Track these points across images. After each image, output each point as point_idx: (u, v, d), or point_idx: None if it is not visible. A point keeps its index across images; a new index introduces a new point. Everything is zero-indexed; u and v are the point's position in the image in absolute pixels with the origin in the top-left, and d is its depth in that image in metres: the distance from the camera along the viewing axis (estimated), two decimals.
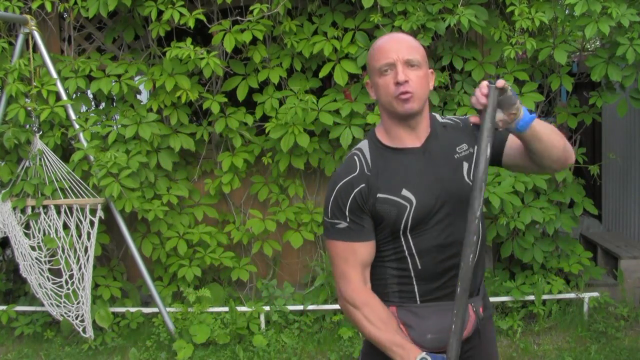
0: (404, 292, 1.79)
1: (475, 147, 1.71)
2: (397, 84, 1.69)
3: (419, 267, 1.76)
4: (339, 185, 1.76)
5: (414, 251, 1.76)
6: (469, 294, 1.65)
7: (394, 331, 1.72)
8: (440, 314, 1.76)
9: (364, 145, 1.83)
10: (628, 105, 4.12)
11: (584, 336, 4.11)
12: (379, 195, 1.74)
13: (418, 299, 1.78)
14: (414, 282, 1.77)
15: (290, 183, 4.42)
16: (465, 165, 1.80)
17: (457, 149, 1.81)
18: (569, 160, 1.88)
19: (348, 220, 1.75)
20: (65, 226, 4.08)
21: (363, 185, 1.74)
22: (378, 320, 1.73)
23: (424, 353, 1.66)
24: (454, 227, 1.75)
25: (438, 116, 1.90)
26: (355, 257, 1.76)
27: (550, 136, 1.79)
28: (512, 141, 1.84)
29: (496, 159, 1.87)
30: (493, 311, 1.88)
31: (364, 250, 1.77)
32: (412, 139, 1.78)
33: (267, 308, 4.21)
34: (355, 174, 1.76)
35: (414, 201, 1.73)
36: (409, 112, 1.72)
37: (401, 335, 1.72)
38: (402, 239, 1.76)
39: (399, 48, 1.71)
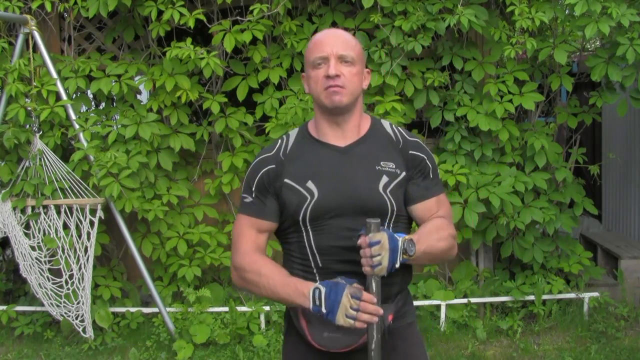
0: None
1: (404, 174, 1.75)
2: (328, 77, 1.68)
3: (320, 264, 1.72)
4: (254, 162, 1.81)
5: (314, 247, 1.73)
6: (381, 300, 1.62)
7: (286, 275, 1.71)
8: None
9: (293, 132, 1.85)
10: (628, 105, 4.12)
11: (584, 336, 4.11)
12: (285, 180, 1.74)
13: None
14: (317, 279, 1.72)
15: None
16: (385, 178, 1.74)
17: (381, 162, 1.76)
18: (453, 252, 1.83)
19: (253, 195, 1.78)
20: (65, 226, 4.07)
21: (273, 166, 1.76)
22: (268, 271, 1.71)
23: (316, 287, 1.63)
24: (355, 231, 1.66)
25: (388, 125, 1.85)
26: (250, 230, 1.78)
27: (436, 252, 1.74)
28: (423, 210, 1.79)
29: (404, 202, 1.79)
30: (412, 320, 1.81)
31: (260, 225, 1.77)
32: (336, 137, 1.77)
33: (267, 308, 4.21)
34: (271, 154, 1.79)
35: (316, 195, 1.71)
36: (336, 105, 1.70)
37: (295, 278, 1.70)
38: (304, 231, 1.73)
39: (334, 43, 1.70)
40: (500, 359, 3.92)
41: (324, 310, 1.60)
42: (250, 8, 4.03)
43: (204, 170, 4.53)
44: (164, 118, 4.31)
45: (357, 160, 1.75)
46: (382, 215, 1.70)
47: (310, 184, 1.72)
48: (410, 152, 1.79)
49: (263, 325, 4.18)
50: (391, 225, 1.73)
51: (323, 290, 1.61)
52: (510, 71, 4.15)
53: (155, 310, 4.23)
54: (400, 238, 1.63)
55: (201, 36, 4.82)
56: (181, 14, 4.00)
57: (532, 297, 4.22)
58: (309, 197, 1.71)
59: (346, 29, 4.19)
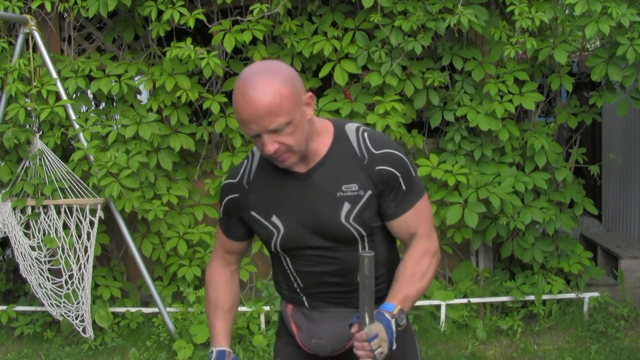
0: (294, 298, 1.81)
1: (369, 192, 1.64)
2: (267, 153, 1.57)
3: (301, 284, 1.76)
4: (223, 184, 1.79)
5: (293, 271, 1.75)
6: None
7: (216, 317, 1.81)
8: (329, 320, 1.76)
9: (257, 150, 1.74)
10: (628, 105, 4.12)
11: (584, 336, 4.11)
12: (251, 212, 1.72)
13: (307, 305, 1.79)
14: (300, 293, 1.78)
15: None
16: (347, 205, 1.64)
17: (343, 186, 1.65)
18: (434, 272, 1.78)
19: (221, 214, 1.81)
20: (65, 226, 4.07)
21: (237, 195, 1.74)
22: (211, 300, 1.84)
23: (215, 349, 1.76)
24: (333, 260, 1.69)
25: (353, 133, 1.69)
26: (220, 243, 1.86)
27: (422, 292, 1.71)
28: (399, 227, 1.71)
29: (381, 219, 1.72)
30: (404, 324, 1.63)
31: (226, 243, 1.84)
32: (298, 164, 1.65)
33: (267, 308, 4.21)
34: (235, 180, 1.75)
35: (282, 230, 1.69)
36: (289, 167, 1.63)
37: (221, 322, 1.81)
38: (281, 257, 1.76)
39: (258, 119, 1.51)
40: (500, 359, 3.92)
41: None
42: (250, 8, 4.03)
43: (204, 170, 4.53)
44: (164, 118, 4.31)
45: (317, 188, 1.66)
46: (351, 242, 1.68)
47: (274, 219, 1.69)
48: (376, 168, 1.65)
49: (263, 325, 4.18)
50: (366, 246, 1.69)
51: (214, 354, 1.75)
52: (510, 71, 4.15)
53: (155, 310, 4.23)
54: (389, 313, 1.58)
55: (201, 36, 4.82)
56: (181, 14, 3.99)
57: (532, 297, 4.22)
58: (275, 232, 1.70)
59: (346, 29, 4.20)
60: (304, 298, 1.78)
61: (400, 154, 1.68)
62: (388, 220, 1.70)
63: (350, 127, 1.70)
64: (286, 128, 1.53)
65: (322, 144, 1.67)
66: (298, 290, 1.77)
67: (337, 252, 1.69)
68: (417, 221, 1.71)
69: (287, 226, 1.68)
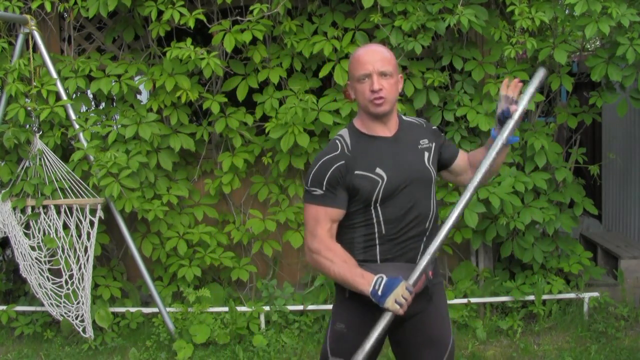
0: (367, 252, 2.15)
1: (433, 144, 2.27)
2: (372, 91, 2.08)
3: (383, 232, 2.13)
4: (321, 161, 2.13)
5: (381, 219, 2.13)
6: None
7: (354, 266, 2.08)
8: (395, 271, 2.07)
9: (344, 132, 2.21)
10: (628, 105, 4.12)
11: (584, 336, 4.11)
12: (356, 172, 2.10)
13: (379, 259, 2.14)
14: (377, 244, 2.14)
15: (290, 183, 4.42)
16: (426, 154, 2.23)
17: (420, 141, 2.24)
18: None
19: (324, 189, 2.11)
20: (65, 226, 4.08)
21: (342, 162, 2.11)
22: (340, 260, 2.08)
23: (380, 275, 2.02)
24: (415, 201, 2.16)
25: (402, 115, 2.32)
26: (325, 218, 2.13)
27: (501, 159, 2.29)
28: (460, 159, 2.37)
29: (444, 166, 2.36)
30: (442, 279, 2.33)
31: (333, 213, 2.13)
32: (383, 130, 2.18)
33: (267, 308, 4.21)
34: (337, 152, 2.13)
35: (385, 178, 2.11)
36: (381, 113, 2.13)
37: (359, 267, 2.07)
38: (372, 209, 2.13)
39: (374, 61, 2.08)
40: (500, 359, 3.92)
41: (379, 293, 1.98)
42: (250, 8, 4.03)
43: (204, 170, 4.53)
44: (164, 118, 4.31)
45: (404, 145, 2.20)
46: (428, 182, 2.21)
47: (379, 170, 2.12)
48: (432, 128, 2.34)
49: (263, 325, 4.18)
50: (433, 190, 2.24)
51: (385, 279, 2.00)
52: (510, 71, 4.15)
53: (155, 310, 4.23)
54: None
55: (201, 36, 4.81)
56: (181, 14, 4.00)
57: (532, 297, 4.22)
58: (380, 181, 2.11)
59: (346, 29, 4.20)
60: (378, 250, 2.14)
61: None
62: (453, 159, 2.36)
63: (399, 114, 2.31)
64: (390, 78, 2.10)
65: (397, 117, 2.25)
66: (378, 240, 2.13)
67: (419, 195, 2.17)
68: (461, 151, 2.42)
69: (389, 174, 2.12)
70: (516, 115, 2.19)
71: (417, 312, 2.16)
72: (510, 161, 4.24)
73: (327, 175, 2.10)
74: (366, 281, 2.01)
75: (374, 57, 2.09)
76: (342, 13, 4.26)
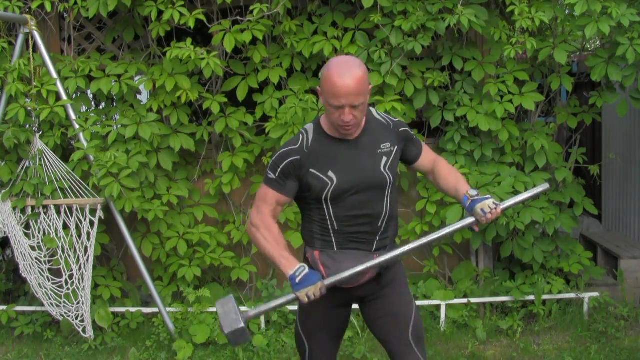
0: (325, 241, 2.33)
1: (396, 147, 2.35)
2: (343, 121, 2.17)
3: (336, 227, 2.30)
4: (281, 151, 2.29)
5: (332, 216, 2.29)
6: (377, 248, 2.32)
7: (283, 248, 2.27)
8: (350, 260, 2.27)
9: (309, 127, 2.33)
10: (628, 105, 4.12)
11: (584, 336, 4.11)
12: (310, 170, 2.25)
13: (335, 247, 2.32)
14: (332, 236, 2.32)
15: None
16: (384, 159, 2.31)
17: (381, 145, 2.32)
18: None
19: (276, 176, 2.28)
20: (65, 226, 4.08)
21: (297, 157, 2.25)
22: (273, 239, 2.28)
23: (304, 264, 2.22)
24: (366, 204, 2.28)
25: (374, 111, 2.40)
26: (271, 199, 2.31)
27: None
28: (423, 161, 2.49)
29: (407, 162, 2.49)
30: (399, 263, 2.50)
31: (280, 198, 2.30)
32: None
33: None
34: (296, 146, 2.27)
35: (335, 181, 2.24)
36: (348, 138, 2.26)
37: (288, 252, 2.26)
38: (324, 205, 2.29)
39: (348, 95, 2.12)
40: (500, 359, 3.92)
41: (296, 281, 2.19)
42: (250, 8, 4.03)
43: (204, 170, 4.53)
44: (164, 118, 4.31)
45: (363, 149, 2.29)
46: (382, 186, 2.30)
47: (330, 173, 2.24)
48: (400, 129, 2.40)
49: (263, 325, 4.18)
50: (389, 195, 2.33)
51: (306, 270, 2.20)
52: (510, 71, 4.15)
53: (155, 310, 4.23)
54: (476, 194, 2.31)
55: (201, 36, 4.81)
56: (181, 14, 4.00)
57: (532, 297, 4.22)
58: (329, 183, 2.24)
59: (346, 29, 4.20)
60: (334, 240, 2.31)
61: (403, 121, 2.49)
62: (416, 159, 2.47)
63: (371, 108, 2.41)
64: (362, 106, 2.17)
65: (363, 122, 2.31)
66: (331, 233, 2.31)
67: (370, 198, 2.28)
68: (431, 152, 2.53)
69: (339, 178, 2.24)
70: (497, 210, 2.28)
71: (372, 294, 2.41)
72: (510, 161, 4.24)
73: (282, 166, 2.26)
74: (289, 265, 2.22)
75: (348, 90, 2.11)
76: (342, 13, 4.26)
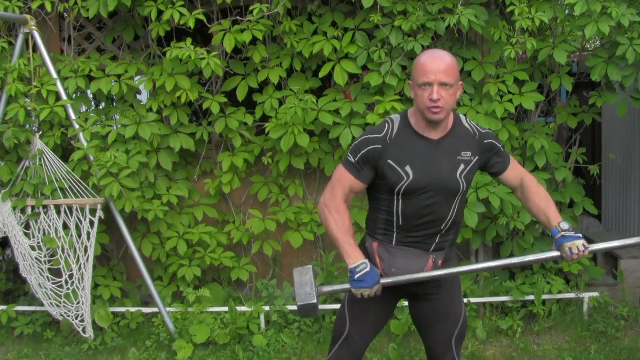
0: (386, 235, 2.36)
1: (477, 158, 2.33)
2: (431, 100, 2.17)
3: (400, 223, 2.32)
4: (365, 136, 2.32)
5: (400, 211, 2.31)
6: (435, 249, 2.35)
7: (351, 236, 2.29)
8: (406, 257, 2.32)
9: (396, 118, 2.35)
10: (628, 105, 4.12)
11: (584, 336, 4.11)
12: (389, 161, 2.26)
13: (394, 242, 2.35)
14: (394, 231, 2.35)
15: (290, 183, 4.42)
16: (462, 166, 2.31)
17: (462, 152, 2.31)
18: None
19: (355, 161, 2.30)
20: (65, 226, 4.08)
21: (380, 146, 2.27)
22: (342, 225, 2.30)
23: (367, 261, 2.24)
24: (434, 206, 2.29)
25: (464, 119, 2.39)
26: (347, 183, 2.32)
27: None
28: (508, 177, 2.46)
29: (492, 175, 2.47)
30: (455, 263, 2.55)
31: (355, 184, 2.32)
32: (431, 132, 2.29)
33: (267, 308, 4.21)
34: (380, 135, 2.29)
35: (411, 177, 2.25)
36: (436, 121, 2.23)
37: (355, 241, 2.28)
38: (395, 199, 2.30)
39: (437, 71, 2.16)
40: (500, 359, 3.92)
41: (355, 277, 2.22)
42: (250, 8, 4.03)
43: (204, 170, 4.53)
44: (164, 118, 4.31)
45: (444, 151, 2.29)
46: (454, 192, 2.31)
47: (408, 168, 2.25)
48: (485, 141, 2.37)
49: (263, 325, 4.18)
50: (459, 202, 2.34)
51: (368, 268, 2.23)
52: (510, 71, 4.15)
53: (155, 310, 4.23)
54: (568, 229, 2.30)
55: (201, 36, 4.82)
56: (181, 14, 4.00)
57: (532, 297, 4.22)
58: (405, 178, 2.26)
59: (346, 29, 4.20)
60: (395, 236, 2.34)
61: (495, 135, 2.46)
62: (502, 173, 2.45)
63: (461, 115, 2.41)
64: (450, 89, 2.18)
65: (449, 122, 2.32)
66: (394, 228, 2.34)
67: (440, 201, 2.28)
68: (519, 168, 2.50)
69: (415, 175, 2.25)
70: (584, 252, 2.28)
71: (428, 293, 2.44)
72: None
73: (363, 151, 2.28)
74: (352, 256, 2.25)
75: (438, 66, 2.16)
76: (342, 13, 4.26)
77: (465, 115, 2.51)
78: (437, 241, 2.36)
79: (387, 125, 2.32)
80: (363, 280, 2.22)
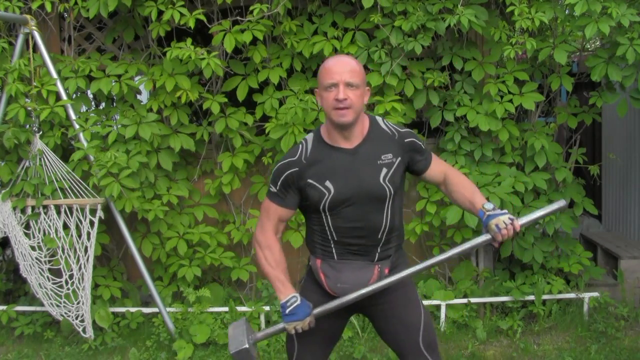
0: (325, 250, 2.32)
1: (399, 159, 2.27)
2: (337, 100, 2.13)
3: (335, 237, 2.29)
4: (280, 163, 2.28)
5: (331, 226, 2.27)
6: (379, 258, 2.29)
7: (282, 271, 2.30)
8: (351, 270, 2.28)
9: (309, 136, 2.32)
10: (628, 105, 4.12)
11: (584, 336, 4.11)
12: (309, 180, 2.23)
13: (335, 257, 2.31)
14: (332, 246, 2.31)
15: None
16: (384, 170, 2.24)
17: (382, 156, 2.25)
18: None
19: (277, 189, 2.29)
20: (65, 226, 4.08)
21: (296, 168, 2.24)
22: (273, 260, 2.31)
23: (297, 294, 2.25)
24: (363, 216, 2.24)
25: (381, 120, 2.34)
26: (274, 214, 2.32)
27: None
28: (432, 173, 2.38)
29: (415, 173, 2.38)
30: (405, 264, 2.45)
31: (282, 212, 2.32)
32: (345, 142, 2.24)
33: (267, 308, 4.21)
34: (294, 158, 2.26)
35: (332, 191, 2.21)
36: (344, 123, 2.17)
37: (286, 276, 2.30)
38: (323, 215, 2.27)
39: (342, 71, 2.14)
40: (500, 359, 3.92)
41: (287, 311, 2.22)
42: (250, 8, 4.03)
43: (204, 170, 4.53)
44: (164, 118, 4.31)
45: (362, 159, 2.23)
46: (380, 198, 2.24)
47: (327, 183, 2.21)
48: (405, 140, 2.30)
49: (263, 325, 4.18)
50: (389, 208, 2.27)
51: (299, 301, 2.24)
52: (510, 71, 4.15)
53: (155, 310, 4.23)
54: (493, 208, 2.18)
55: (201, 36, 4.82)
56: (181, 14, 4.00)
57: (532, 297, 4.22)
58: (327, 193, 2.22)
59: (346, 29, 4.20)
60: (334, 250, 2.30)
61: (414, 132, 2.39)
62: (424, 171, 2.36)
63: (377, 117, 2.35)
64: (356, 90, 2.16)
65: (363, 127, 2.27)
66: (331, 243, 2.29)
67: (368, 210, 2.23)
68: (441, 163, 2.43)
69: (337, 188, 2.21)
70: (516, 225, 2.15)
71: (376, 303, 2.38)
72: (510, 161, 4.24)
73: (281, 178, 2.27)
74: (283, 291, 2.27)
75: (343, 67, 2.15)
76: (342, 13, 4.26)
77: (382, 117, 2.47)
78: (379, 250, 2.29)
79: (300, 146, 2.28)
80: (294, 314, 2.22)
